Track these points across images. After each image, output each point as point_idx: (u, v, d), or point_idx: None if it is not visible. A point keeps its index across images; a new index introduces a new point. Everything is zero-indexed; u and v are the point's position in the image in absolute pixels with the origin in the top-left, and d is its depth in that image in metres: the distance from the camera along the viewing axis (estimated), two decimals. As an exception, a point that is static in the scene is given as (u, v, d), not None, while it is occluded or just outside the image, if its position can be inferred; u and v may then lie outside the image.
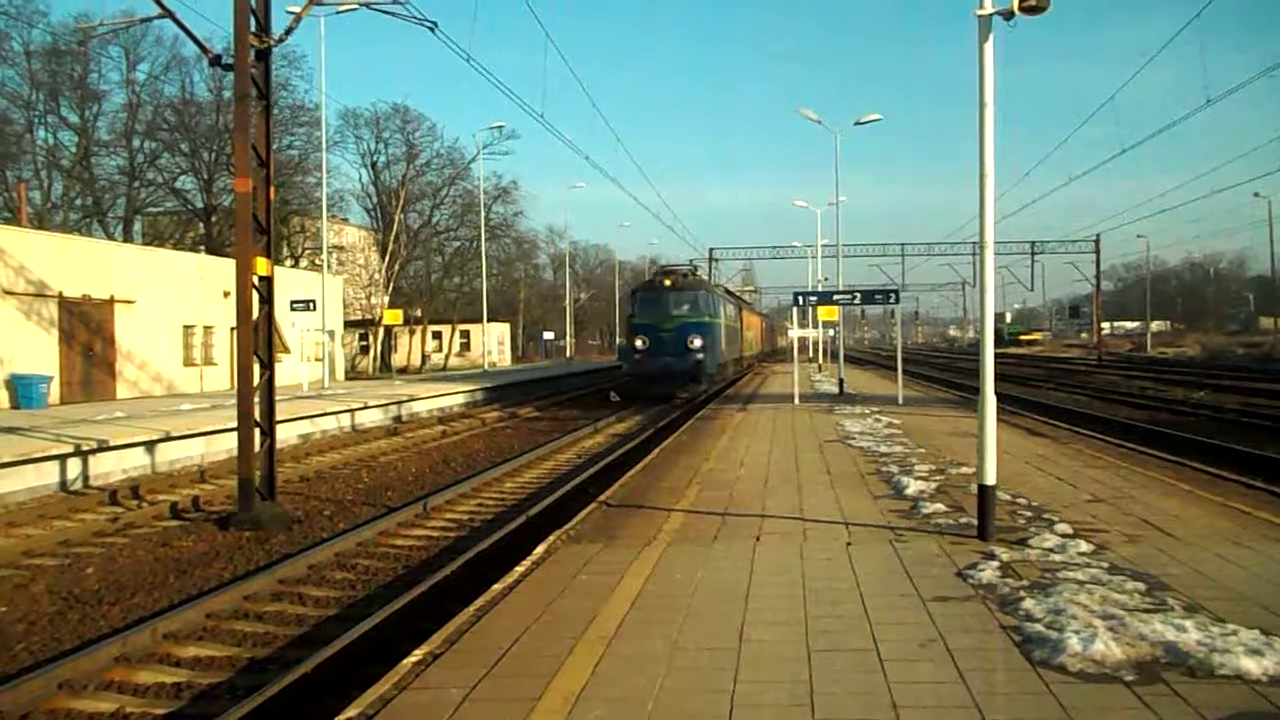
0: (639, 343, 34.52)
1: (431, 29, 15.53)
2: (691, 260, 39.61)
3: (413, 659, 5.85)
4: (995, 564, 7.70)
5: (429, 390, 33.42)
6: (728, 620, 6.43)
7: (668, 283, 35.49)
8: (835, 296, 29.11)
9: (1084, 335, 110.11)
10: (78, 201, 52.31)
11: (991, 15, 8.66)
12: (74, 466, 16.08)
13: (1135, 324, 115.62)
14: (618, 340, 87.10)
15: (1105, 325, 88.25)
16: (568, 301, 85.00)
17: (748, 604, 6.82)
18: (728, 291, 49.90)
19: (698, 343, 33.83)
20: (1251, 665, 5.27)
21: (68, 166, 51.35)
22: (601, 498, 11.65)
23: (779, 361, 70.36)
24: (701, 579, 7.58)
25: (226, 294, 31.55)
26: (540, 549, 8.80)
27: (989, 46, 8.76)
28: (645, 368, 34.35)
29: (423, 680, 5.51)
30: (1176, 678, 5.20)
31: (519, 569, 8.05)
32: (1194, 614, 6.21)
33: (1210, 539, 8.60)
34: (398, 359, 68.19)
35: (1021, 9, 8.35)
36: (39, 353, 26.77)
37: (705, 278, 41.45)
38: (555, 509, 12.93)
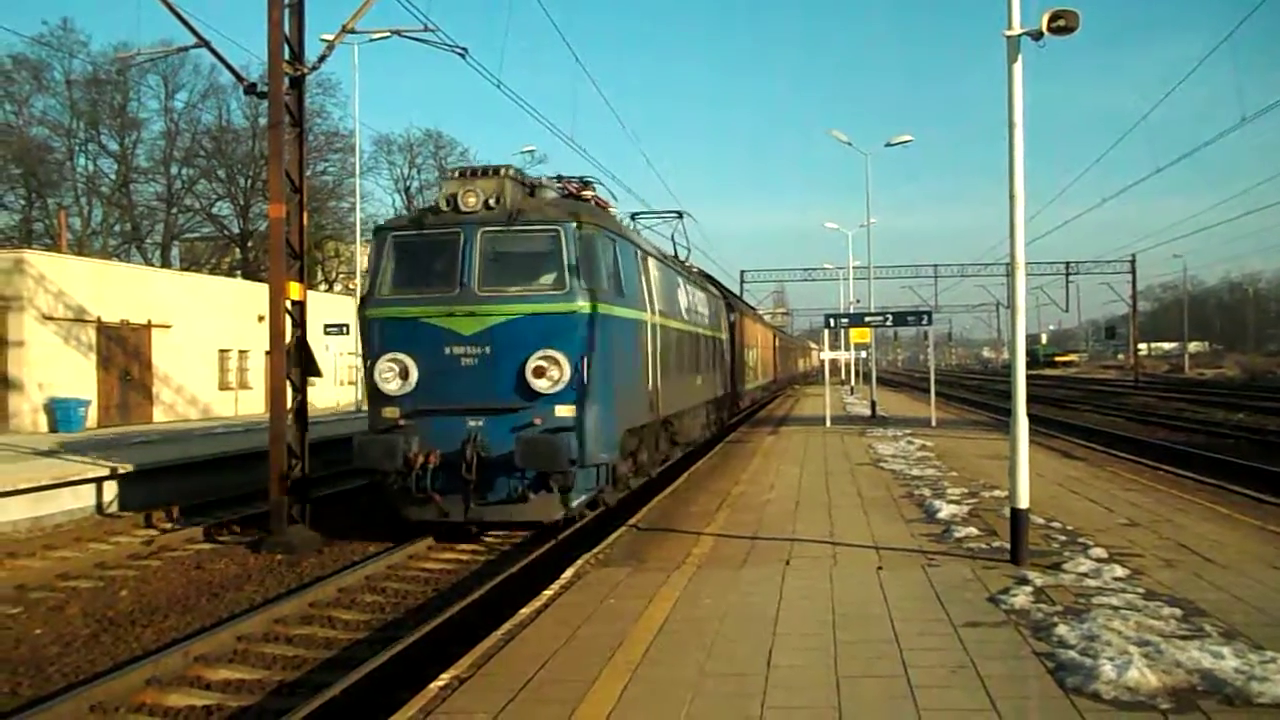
0: (384, 376, 12.43)
1: (462, 55, 15.67)
2: (583, 178, 15.23)
3: (439, 683, 5.85)
4: (1028, 589, 7.61)
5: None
6: (756, 645, 6.38)
7: (470, 200, 12.52)
8: (867, 318, 29.02)
9: (1120, 356, 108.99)
10: (116, 228, 53.30)
11: (1020, 36, 8.65)
12: (110, 489, 16.23)
13: (1173, 345, 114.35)
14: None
15: (1142, 346, 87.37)
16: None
17: (776, 629, 6.77)
18: (704, 275, 26.45)
19: (561, 374, 12.06)
20: (1291, 694, 5.15)
21: (107, 193, 52.32)
22: (631, 521, 11.62)
23: (810, 383, 70.07)
24: (730, 604, 7.53)
25: (261, 318, 31.86)
26: (569, 572, 8.78)
27: (1018, 67, 8.74)
28: (396, 448, 11.97)
29: (448, 705, 5.50)
30: (1214, 706, 5.10)
31: (547, 593, 8.04)
32: (1232, 641, 6.10)
33: (1249, 564, 8.45)
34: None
35: (1050, 29, 8.32)
36: (78, 377, 27.10)
37: (607, 208, 15.65)
38: (586, 533, 12.88)
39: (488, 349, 12.10)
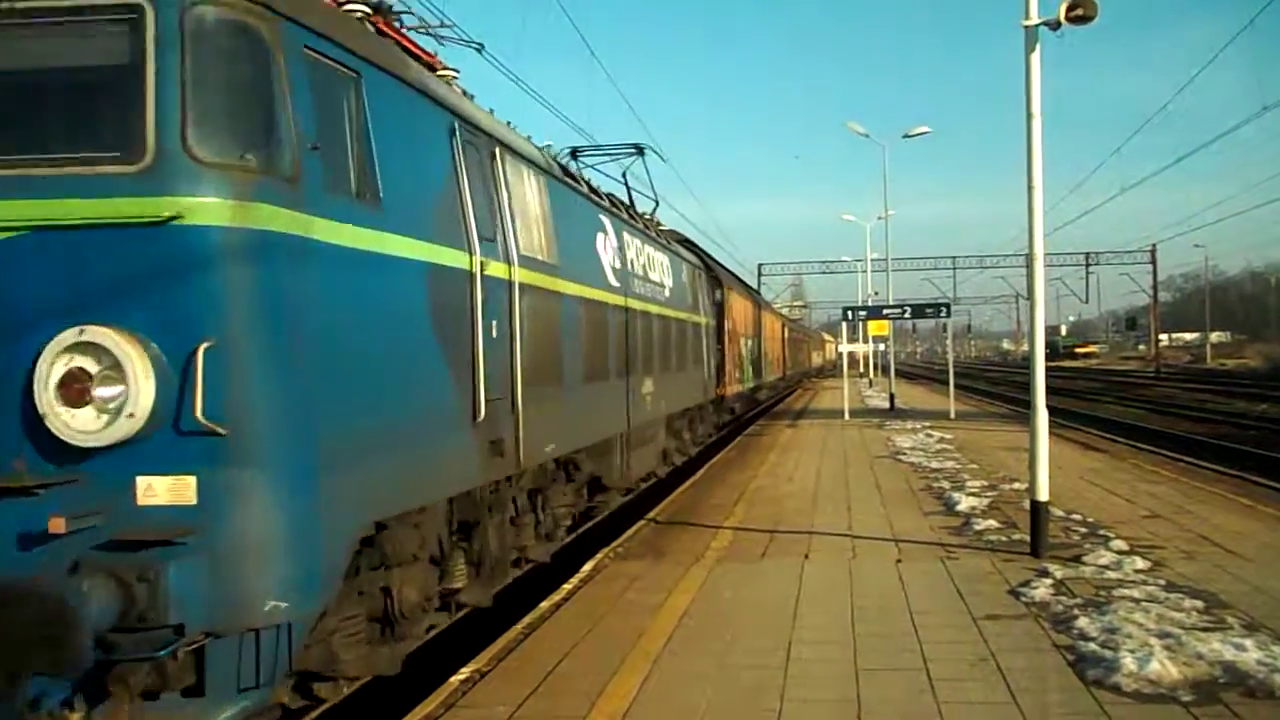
0: None
1: (479, 50, 15.69)
2: None
3: (460, 677, 5.88)
4: (1049, 581, 7.58)
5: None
6: (775, 639, 6.38)
7: None
8: (885, 311, 28.93)
9: (1141, 347, 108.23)
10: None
11: (1038, 26, 8.60)
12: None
13: (1194, 335, 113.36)
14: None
15: (1163, 337, 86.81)
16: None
17: (795, 622, 6.77)
18: (679, 238, 19.52)
19: (132, 390, 4.20)
20: (1315, 686, 5.13)
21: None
22: (650, 515, 11.64)
23: (826, 377, 69.96)
24: (749, 597, 7.54)
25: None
26: (588, 566, 8.81)
27: (1035, 57, 8.70)
28: None
29: (469, 699, 5.53)
30: (1235, 698, 5.08)
31: (566, 586, 8.07)
32: (1254, 633, 6.07)
33: (1272, 555, 8.40)
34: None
35: (1068, 19, 8.27)
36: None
37: (436, 68, 7.42)
38: (604, 526, 12.91)
39: None
